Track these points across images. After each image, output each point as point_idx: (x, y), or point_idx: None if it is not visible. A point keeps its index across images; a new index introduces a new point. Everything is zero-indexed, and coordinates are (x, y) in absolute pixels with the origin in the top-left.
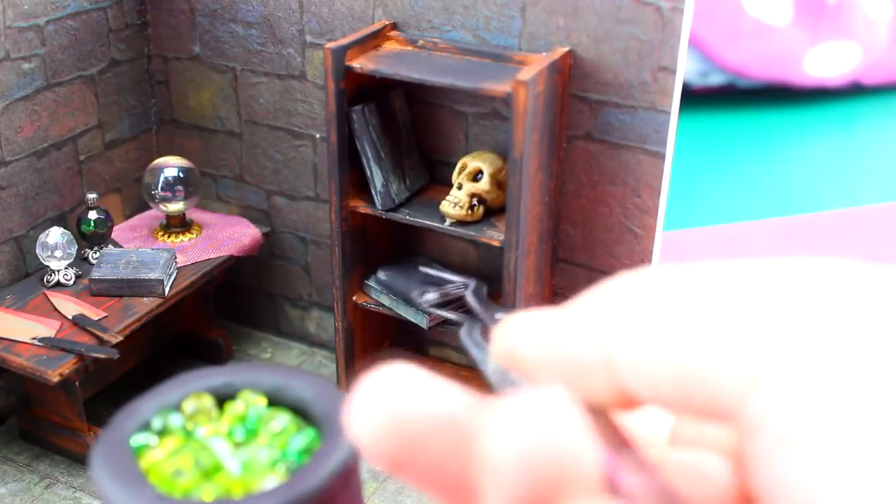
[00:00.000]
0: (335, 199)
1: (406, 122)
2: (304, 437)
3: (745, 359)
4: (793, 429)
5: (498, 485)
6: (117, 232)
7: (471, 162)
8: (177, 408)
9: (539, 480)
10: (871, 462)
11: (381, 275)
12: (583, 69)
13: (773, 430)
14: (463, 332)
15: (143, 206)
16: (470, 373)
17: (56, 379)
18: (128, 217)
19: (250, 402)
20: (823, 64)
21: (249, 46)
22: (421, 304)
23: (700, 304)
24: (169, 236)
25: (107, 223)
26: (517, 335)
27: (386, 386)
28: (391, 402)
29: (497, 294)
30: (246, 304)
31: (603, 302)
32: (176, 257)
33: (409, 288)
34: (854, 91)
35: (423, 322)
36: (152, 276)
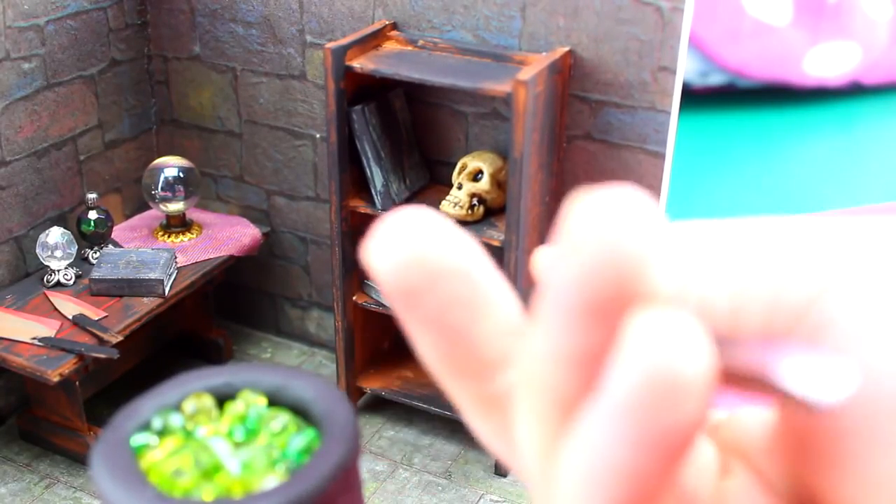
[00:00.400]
0: (335, 199)
1: (406, 122)
2: (304, 437)
3: (818, 268)
4: (862, 325)
5: (570, 276)
6: (117, 232)
7: (471, 162)
8: (177, 408)
9: (616, 276)
10: None
11: None
12: (583, 69)
13: (842, 328)
14: None
15: (143, 206)
16: None
17: (56, 379)
18: (128, 217)
19: (250, 402)
20: (823, 64)
21: (249, 46)
22: None
23: (770, 232)
24: (169, 236)
25: (107, 223)
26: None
27: (412, 223)
28: (415, 237)
29: None
30: (246, 304)
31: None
32: (176, 257)
33: None
34: (854, 91)
35: None
36: (152, 276)
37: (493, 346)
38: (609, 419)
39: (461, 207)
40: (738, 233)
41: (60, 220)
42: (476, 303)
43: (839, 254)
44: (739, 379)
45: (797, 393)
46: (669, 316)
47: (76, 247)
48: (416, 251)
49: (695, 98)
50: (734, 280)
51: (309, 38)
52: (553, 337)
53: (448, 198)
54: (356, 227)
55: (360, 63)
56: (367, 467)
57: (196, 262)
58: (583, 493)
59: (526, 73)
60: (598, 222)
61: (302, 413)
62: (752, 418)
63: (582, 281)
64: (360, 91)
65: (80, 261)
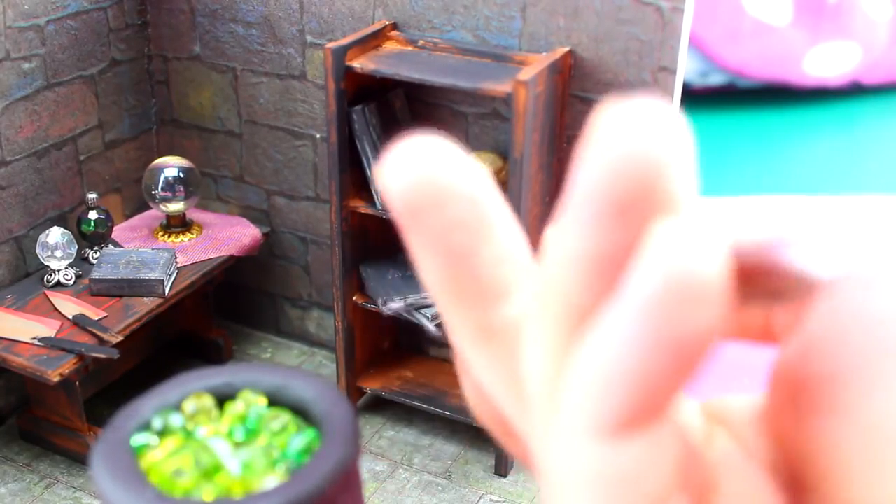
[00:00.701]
0: (335, 199)
1: (406, 122)
2: (304, 437)
3: (819, 238)
4: (864, 276)
5: (595, 176)
6: (117, 232)
7: None
8: (177, 408)
9: (641, 177)
10: None
11: (362, 272)
12: (583, 69)
13: (845, 277)
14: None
15: (143, 206)
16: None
17: (56, 379)
18: (128, 217)
19: (250, 402)
20: (823, 64)
21: (249, 46)
22: (383, 310)
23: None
24: (169, 236)
25: (107, 223)
26: None
27: (425, 146)
28: (426, 159)
29: None
30: (246, 304)
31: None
32: (176, 257)
33: (379, 290)
34: (854, 91)
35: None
36: (152, 276)
37: (496, 273)
38: (626, 322)
39: None
40: (740, 209)
41: (60, 220)
42: (481, 228)
43: (839, 226)
44: (751, 280)
45: (805, 269)
46: (690, 222)
47: (76, 247)
48: (426, 171)
49: (695, 98)
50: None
51: (309, 38)
52: (575, 238)
53: None
54: (356, 227)
55: (360, 63)
56: (367, 467)
57: (196, 262)
58: (595, 396)
59: (526, 74)
60: (626, 126)
61: (302, 413)
62: (736, 399)
63: (607, 181)
64: (360, 91)
65: (80, 261)
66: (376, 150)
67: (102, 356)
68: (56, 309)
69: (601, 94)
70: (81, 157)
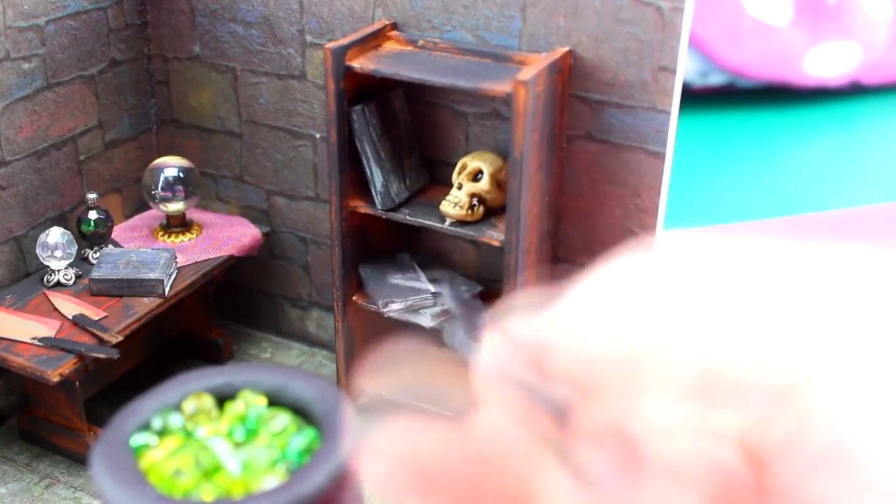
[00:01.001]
0: (335, 199)
1: (406, 122)
2: (304, 437)
3: (801, 351)
4: (854, 423)
5: None
6: (117, 232)
7: (471, 162)
8: (177, 408)
9: None
10: None
11: (362, 272)
12: (583, 69)
13: (832, 421)
14: (447, 335)
15: (143, 206)
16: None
17: (56, 379)
18: (128, 217)
19: (250, 402)
20: (823, 64)
21: (249, 46)
22: (384, 311)
23: (725, 287)
24: (169, 236)
25: (107, 223)
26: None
27: (395, 433)
28: (400, 448)
29: (497, 294)
30: (246, 304)
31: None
32: (176, 257)
33: (379, 292)
34: (854, 91)
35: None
36: (152, 276)
37: None
38: None
39: (461, 207)
40: (713, 291)
41: (60, 220)
42: (484, 474)
43: (825, 336)
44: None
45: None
46: None
47: (76, 247)
48: (405, 461)
49: (695, 98)
50: (707, 351)
51: (309, 38)
52: None
53: (448, 198)
54: (356, 227)
55: (360, 63)
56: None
57: (196, 262)
58: None
59: (526, 73)
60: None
61: (302, 413)
62: (775, 425)
63: None
64: (360, 91)
65: (80, 261)
66: (376, 150)
67: (102, 356)
68: (56, 309)
69: (601, 94)
70: (81, 157)
